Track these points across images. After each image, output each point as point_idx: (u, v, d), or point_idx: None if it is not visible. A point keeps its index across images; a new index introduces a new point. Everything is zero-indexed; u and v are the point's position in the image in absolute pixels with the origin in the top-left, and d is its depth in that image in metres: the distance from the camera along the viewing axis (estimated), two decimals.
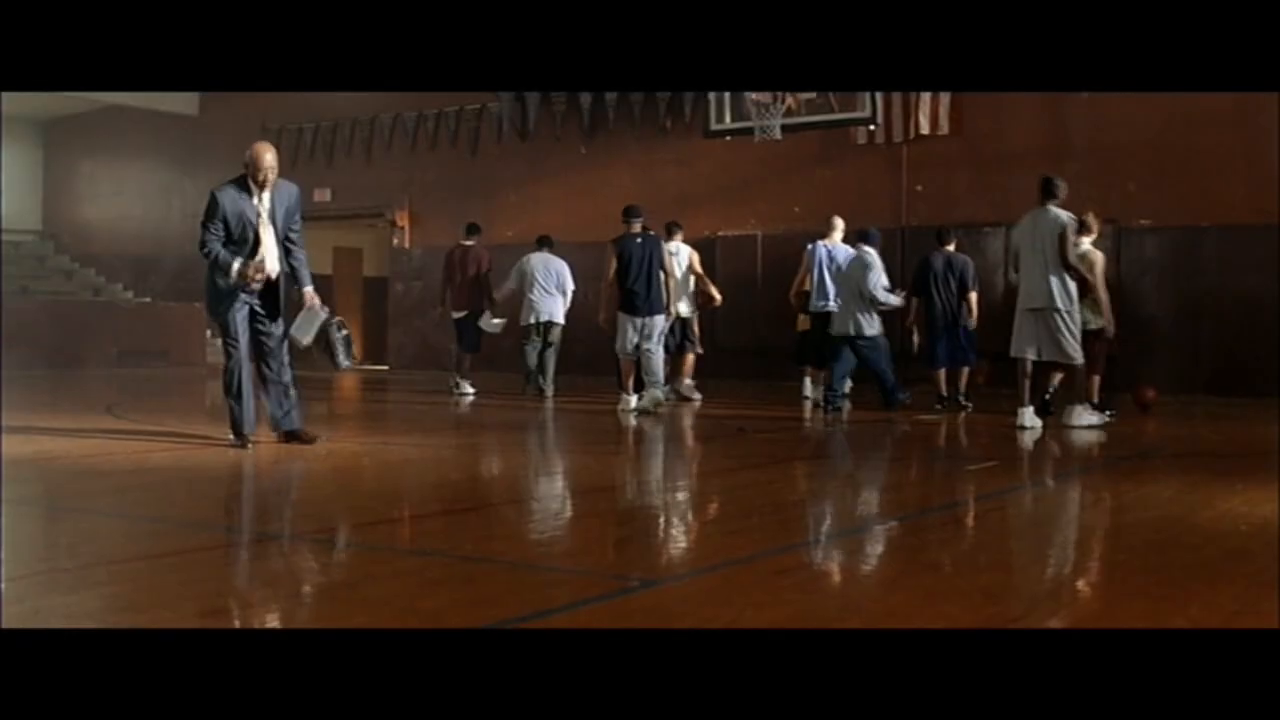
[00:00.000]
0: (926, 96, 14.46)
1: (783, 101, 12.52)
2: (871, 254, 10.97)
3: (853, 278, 10.90)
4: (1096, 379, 10.43)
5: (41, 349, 17.29)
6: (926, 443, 9.05)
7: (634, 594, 3.63)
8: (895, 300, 11.05)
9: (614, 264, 10.66)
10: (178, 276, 19.65)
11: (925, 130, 14.56)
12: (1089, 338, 10.16)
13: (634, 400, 10.57)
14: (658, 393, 10.64)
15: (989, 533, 5.13)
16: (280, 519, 5.23)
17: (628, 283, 10.56)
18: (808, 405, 11.56)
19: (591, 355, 15.82)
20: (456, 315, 13.43)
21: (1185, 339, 13.30)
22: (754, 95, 12.62)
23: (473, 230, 13.63)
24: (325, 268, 21.64)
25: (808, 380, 12.06)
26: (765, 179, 15.58)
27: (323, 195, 18.95)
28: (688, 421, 10.42)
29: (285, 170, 19.27)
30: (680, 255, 12.16)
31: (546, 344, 13.18)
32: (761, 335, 15.10)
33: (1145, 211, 13.60)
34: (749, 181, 15.68)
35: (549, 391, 12.85)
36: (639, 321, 10.61)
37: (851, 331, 10.78)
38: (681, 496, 6.09)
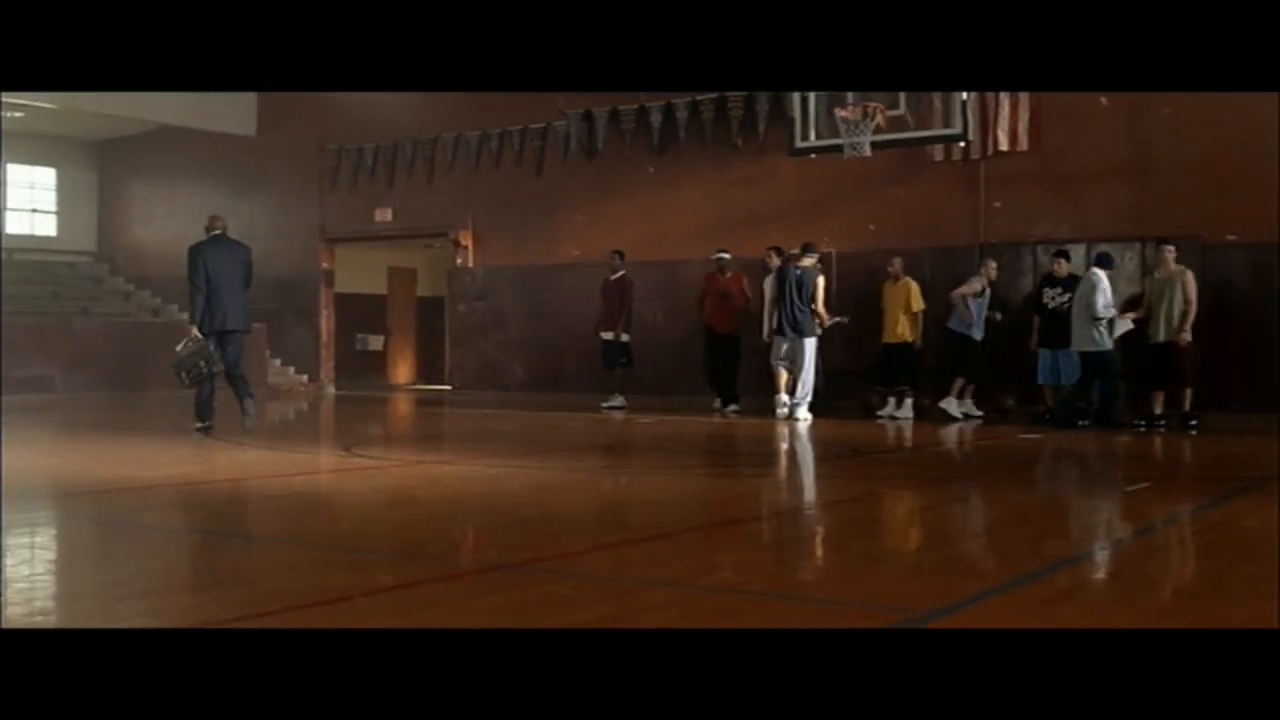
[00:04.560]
0: (1005, 113, 14.36)
1: (873, 118, 12.43)
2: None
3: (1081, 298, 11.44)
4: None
5: (105, 370, 17.24)
6: (1062, 461, 8.94)
7: (920, 626, 3.51)
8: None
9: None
10: None
11: (1004, 147, 14.44)
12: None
13: (785, 399, 12.16)
14: (783, 406, 12.06)
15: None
16: (484, 547, 5.11)
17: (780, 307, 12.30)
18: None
19: (660, 374, 15.79)
20: (626, 339, 14.46)
21: (1272, 355, 13.14)
22: (843, 112, 12.54)
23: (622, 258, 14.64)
24: (379, 287, 21.63)
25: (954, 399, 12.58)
26: (838, 197, 15.47)
27: (384, 215, 18.91)
28: (798, 440, 10.33)
29: (345, 191, 19.41)
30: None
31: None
32: (837, 356, 14.97)
33: (1231, 227, 13.46)
34: (822, 200, 15.58)
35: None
36: (779, 341, 12.39)
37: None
38: (872, 519, 5.98)
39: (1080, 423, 11.25)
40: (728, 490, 7.41)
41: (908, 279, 13.32)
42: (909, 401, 12.91)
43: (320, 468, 8.26)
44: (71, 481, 7.19)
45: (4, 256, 20.00)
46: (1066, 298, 11.84)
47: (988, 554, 4.90)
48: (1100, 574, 4.52)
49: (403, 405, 16.77)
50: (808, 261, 12.45)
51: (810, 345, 12.16)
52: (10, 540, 5.26)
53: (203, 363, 9.84)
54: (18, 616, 3.61)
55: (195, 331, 9.89)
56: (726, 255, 13.94)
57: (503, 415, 13.55)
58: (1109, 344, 11.21)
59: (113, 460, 8.46)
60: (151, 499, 6.60)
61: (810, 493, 7.24)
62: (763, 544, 5.27)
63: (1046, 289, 12.17)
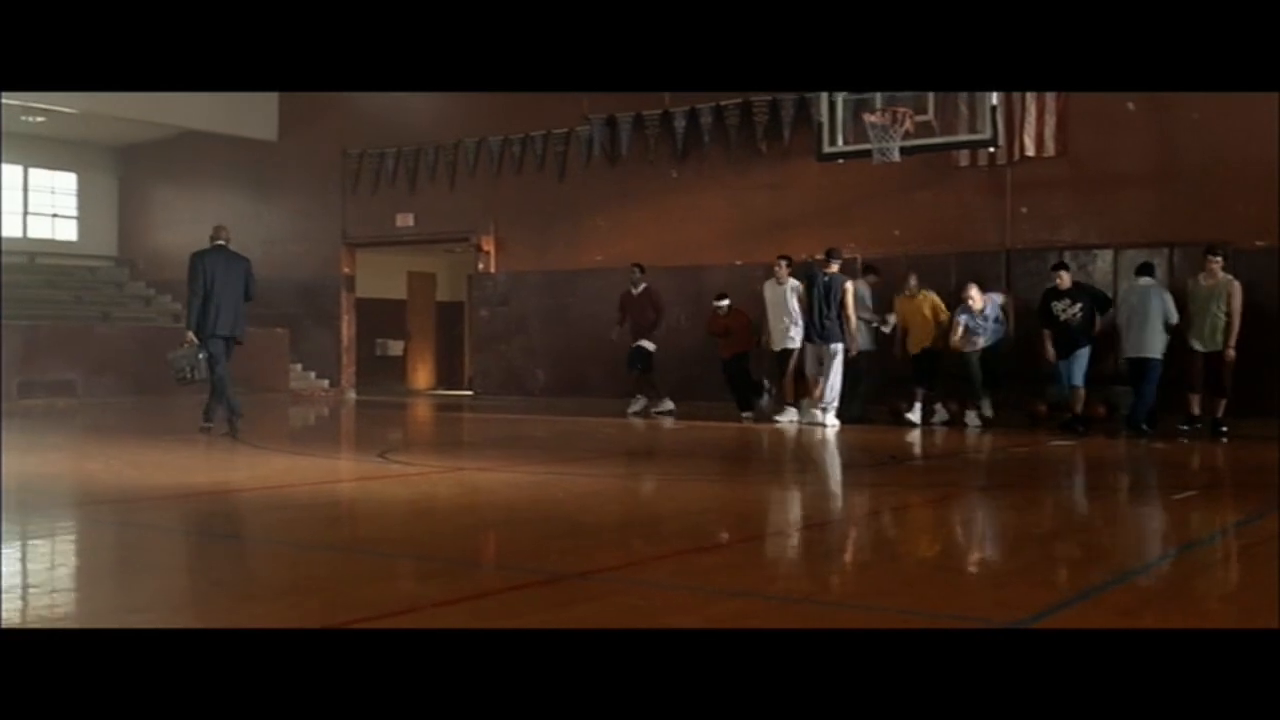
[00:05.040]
0: (1032, 118, 14.32)
1: (902, 123, 12.40)
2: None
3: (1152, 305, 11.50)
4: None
5: (127, 375, 17.22)
6: (1103, 469, 8.90)
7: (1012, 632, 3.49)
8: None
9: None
10: (257, 303, 19.39)
11: (1031, 152, 14.40)
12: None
13: (818, 414, 12.05)
14: (816, 412, 12.06)
15: None
16: (545, 555, 5.07)
17: (809, 314, 12.26)
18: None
19: (685, 379, 15.74)
20: (653, 347, 14.52)
21: None
22: (871, 117, 12.51)
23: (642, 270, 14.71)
24: (399, 292, 21.63)
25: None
26: (863, 202, 15.42)
27: (405, 220, 18.89)
28: (832, 446, 10.31)
29: (366, 195, 19.35)
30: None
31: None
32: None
33: (1260, 232, 13.40)
34: (846, 205, 15.53)
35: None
36: (811, 348, 12.17)
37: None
38: (927, 528, 5.95)
39: (1079, 428, 11.29)
40: (775, 497, 7.38)
41: (925, 291, 13.07)
42: (936, 407, 12.86)
43: (360, 474, 8.25)
44: (118, 488, 7.18)
45: (25, 260, 20.09)
46: (1077, 308, 11.71)
47: (1053, 564, 4.87)
48: (1170, 584, 4.48)
49: (427, 411, 16.77)
50: (834, 267, 12.43)
51: (839, 351, 12.14)
52: (69, 546, 5.27)
53: (187, 367, 10.32)
54: (96, 623, 3.59)
55: (190, 335, 10.40)
56: (725, 302, 13.80)
57: (530, 421, 13.53)
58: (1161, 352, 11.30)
59: (151, 466, 8.45)
60: (202, 505, 6.60)
61: (859, 501, 7.21)
62: (825, 552, 5.24)
63: (1055, 302, 11.92)
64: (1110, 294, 13.57)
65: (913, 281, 12.97)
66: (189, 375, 10.38)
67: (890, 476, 8.54)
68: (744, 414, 13.39)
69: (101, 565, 4.93)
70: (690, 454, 10.09)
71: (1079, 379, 11.76)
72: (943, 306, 13.03)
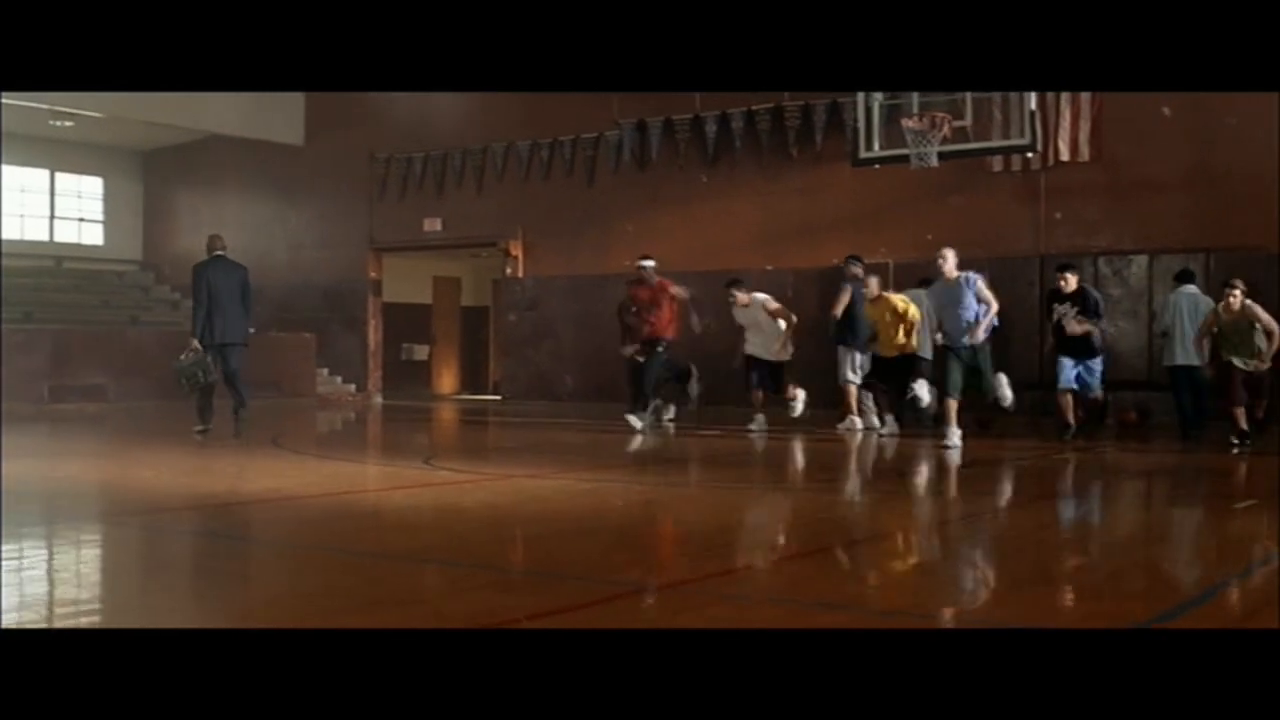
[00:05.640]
0: (1066, 123, 14.28)
1: (940, 128, 12.36)
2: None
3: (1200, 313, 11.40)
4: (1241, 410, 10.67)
5: (156, 380, 17.20)
6: (1148, 477, 8.84)
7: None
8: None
9: (843, 302, 11.86)
10: (282, 307, 19.55)
11: (1065, 157, 14.37)
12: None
13: (859, 422, 11.84)
14: (857, 420, 11.91)
15: None
16: (625, 567, 5.03)
17: (851, 321, 11.88)
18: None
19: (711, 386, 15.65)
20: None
21: None
22: (909, 122, 12.47)
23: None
24: (424, 296, 21.63)
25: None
26: (895, 207, 15.40)
27: (433, 225, 18.90)
28: (903, 452, 10.26)
29: (394, 200, 19.32)
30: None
31: None
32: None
33: None
34: (879, 210, 15.50)
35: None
36: (857, 355, 11.85)
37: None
38: (1003, 538, 5.90)
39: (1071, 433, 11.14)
40: (835, 505, 7.33)
41: (886, 294, 12.18)
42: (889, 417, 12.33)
43: (410, 481, 8.21)
44: (177, 495, 7.16)
45: (53, 264, 20.14)
46: (1075, 312, 11.45)
47: (1140, 576, 4.82)
48: (1264, 595, 4.43)
49: (457, 416, 16.75)
50: (859, 270, 12.17)
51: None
52: (150, 555, 5.25)
53: (199, 372, 10.75)
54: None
55: (195, 343, 10.79)
56: (650, 263, 13.06)
57: (563, 426, 13.48)
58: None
59: (201, 472, 8.44)
60: (264, 514, 6.59)
61: (924, 508, 7.16)
62: (910, 564, 5.20)
63: (1056, 305, 11.62)
64: (1145, 300, 13.53)
65: (873, 283, 12.11)
66: (201, 379, 10.76)
67: (945, 484, 8.48)
68: (630, 415, 12.14)
69: (183, 576, 4.91)
70: (736, 463, 10.03)
71: (1097, 388, 11.57)
72: (910, 309, 12.09)
